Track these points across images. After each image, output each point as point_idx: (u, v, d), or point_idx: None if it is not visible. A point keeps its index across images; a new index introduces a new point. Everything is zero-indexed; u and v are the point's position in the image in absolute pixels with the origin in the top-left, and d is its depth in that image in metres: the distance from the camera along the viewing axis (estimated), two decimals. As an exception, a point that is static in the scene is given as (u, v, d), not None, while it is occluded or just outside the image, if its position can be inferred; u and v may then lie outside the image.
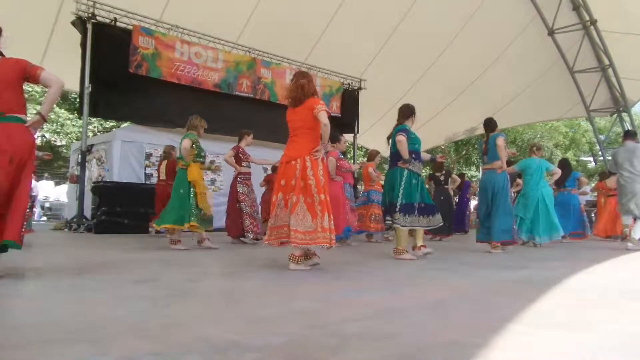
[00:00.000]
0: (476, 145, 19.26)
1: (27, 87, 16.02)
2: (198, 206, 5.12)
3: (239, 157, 6.10)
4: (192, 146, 5.14)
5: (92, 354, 1.43)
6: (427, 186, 5.71)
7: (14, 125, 2.82)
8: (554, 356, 1.54)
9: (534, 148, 6.92)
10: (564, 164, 8.30)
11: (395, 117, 4.84)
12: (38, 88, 16.94)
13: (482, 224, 5.68)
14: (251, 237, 6.03)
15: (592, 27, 12.36)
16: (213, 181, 9.05)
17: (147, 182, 8.47)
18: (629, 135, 6.75)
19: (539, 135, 24.64)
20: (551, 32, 12.64)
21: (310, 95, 3.59)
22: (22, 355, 1.43)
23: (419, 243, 4.68)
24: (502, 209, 5.45)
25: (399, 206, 4.50)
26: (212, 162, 5.93)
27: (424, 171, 5.12)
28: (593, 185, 11.37)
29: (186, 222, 5.04)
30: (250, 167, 6.25)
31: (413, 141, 4.64)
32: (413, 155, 4.60)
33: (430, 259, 4.54)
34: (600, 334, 1.80)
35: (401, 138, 4.49)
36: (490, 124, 5.81)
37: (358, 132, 12.59)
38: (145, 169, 8.62)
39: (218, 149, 8.44)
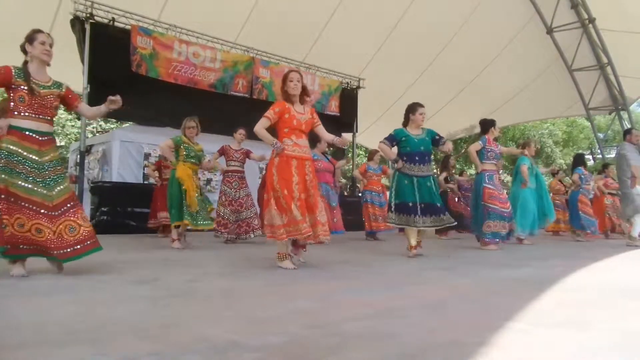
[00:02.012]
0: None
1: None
2: (187, 203, 5.11)
3: (225, 157, 6.19)
4: (175, 146, 5.22)
5: (91, 354, 1.43)
6: None
7: None
8: (554, 355, 1.54)
9: (520, 147, 7.15)
10: (573, 161, 8.59)
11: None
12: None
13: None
14: (223, 237, 6.03)
15: (590, 25, 12.36)
16: (209, 181, 9.05)
17: (146, 182, 8.47)
18: (624, 134, 6.90)
19: (539, 133, 24.65)
20: (550, 31, 12.64)
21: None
22: (22, 356, 1.43)
23: (412, 243, 4.65)
24: (473, 209, 5.91)
25: (393, 206, 4.69)
26: (208, 162, 5.98)
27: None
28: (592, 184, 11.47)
29: (184, 219, 5.08)
30: (239, 166, 6.18)
31: (404, 143, 4.73)
32: (404, 158, 4.67)
33: (431, 259, 4.55)
34: (600, 333, 1.80)
35: (380, 145, 4.84)
36: (481, 126, 6.08)
37: (357, 131, 12.58)
38: (144, 169, 8.62)
39: (216, 148, 8.43)
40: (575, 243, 7.45)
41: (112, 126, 17.63)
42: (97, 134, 16.93)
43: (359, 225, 7.68)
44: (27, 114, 2.97)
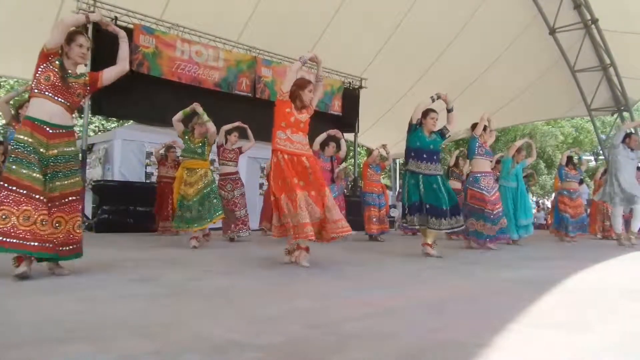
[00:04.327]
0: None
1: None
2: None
3: (218, 157, 6.31)
4: (183, 131, 5.61)
5: (91, 352, 1.43)
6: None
7: None
8: (553, 356, 1.54)
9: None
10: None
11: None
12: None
13: None
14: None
15: (593, 26, 12.33)
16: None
17: (148, 181, 8.49)
18: (623, 137, 6.92)
19: (539, 135, 24.64)
20: (552, 31, 12.61)
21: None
22: (21, 354, 1.43)
23: (429, 241, 4.68)
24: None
25: (407, 209, 4.71)
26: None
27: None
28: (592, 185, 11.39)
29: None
30: (232, 166, 6.26)
31: (415, 138, 4.70)
32: (412, 153, 4.65)
33: (431, 259, 4.54)
34: (600, 334, 1.80)
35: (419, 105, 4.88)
36: (471, 130, 6.04)
37: (358, 131, 12.57)
38: (145, 168, 8.63)
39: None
40: (574, 244, 7.43)
41: (113, 125, 17.66)
42: (99, 133, 16.97)
43: (360, 225, 7.67)
44: (47, 93, 2.92)
